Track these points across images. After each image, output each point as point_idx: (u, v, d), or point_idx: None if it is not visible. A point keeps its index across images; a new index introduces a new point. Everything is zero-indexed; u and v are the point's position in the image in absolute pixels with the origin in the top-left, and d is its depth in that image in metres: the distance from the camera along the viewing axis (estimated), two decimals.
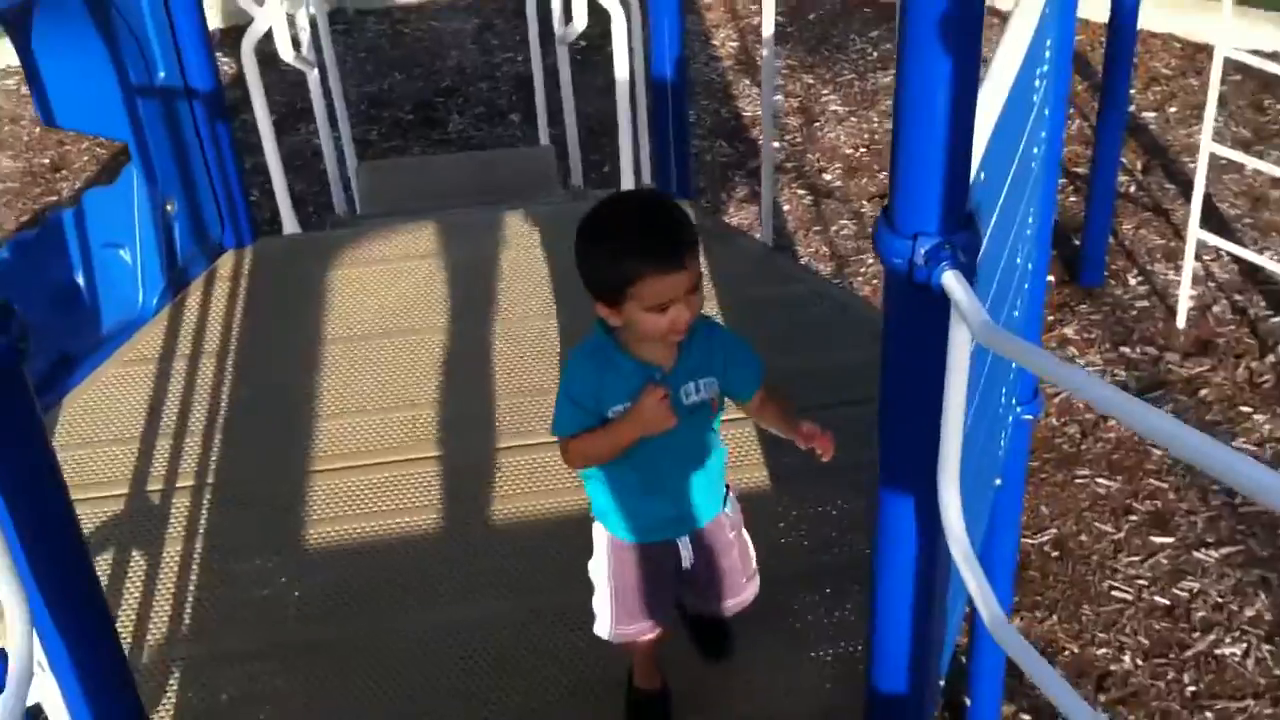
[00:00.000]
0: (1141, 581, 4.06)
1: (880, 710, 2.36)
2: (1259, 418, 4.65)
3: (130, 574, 3.16)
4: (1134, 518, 4.31)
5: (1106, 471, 4.51)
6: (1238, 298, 5.31)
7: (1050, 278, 5.55)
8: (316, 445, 3.57)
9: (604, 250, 2.21)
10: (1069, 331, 5.27)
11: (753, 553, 2.64)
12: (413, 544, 3.26)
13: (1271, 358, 4.95)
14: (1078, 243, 5.62)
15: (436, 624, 3.02)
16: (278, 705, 2.84)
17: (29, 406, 1.89)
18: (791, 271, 4.38)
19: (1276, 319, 5.17)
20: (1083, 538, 4.26)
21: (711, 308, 4.08)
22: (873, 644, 2.29)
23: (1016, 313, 3.09)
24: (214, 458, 3.52)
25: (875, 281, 5.60)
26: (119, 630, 2.95)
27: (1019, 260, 2.96)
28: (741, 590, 2.63)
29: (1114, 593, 4.03)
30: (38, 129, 7.14)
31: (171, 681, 2.88)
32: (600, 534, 2.52)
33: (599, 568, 2.54)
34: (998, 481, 3.19)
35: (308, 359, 3.88)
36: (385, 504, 3.38)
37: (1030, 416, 3.34)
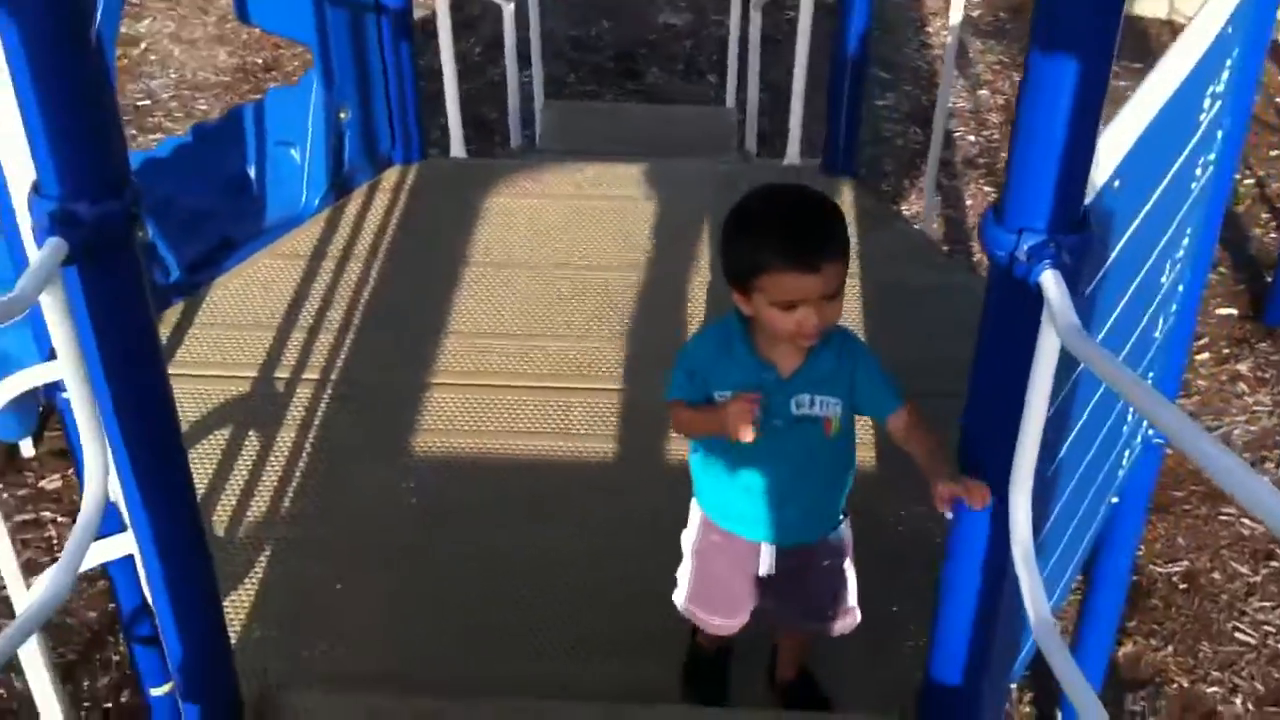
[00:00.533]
0: (1269, 628, 3.87)
1: (933, 701, 2.32)
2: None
3: (242, 453, 3.29)
4: (1275, 563, 4.11)
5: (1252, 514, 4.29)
6: None
7: (1234, 311, 5.32)
8: (443, 360, 3.65)
9: (743, 237, 2.15)
10: (1242, 368, 5.03)
11: (853, 589, 2.49)
12: (523, 468, 3.31)
13: None
14: (1269, 279, 5.34)
15: (536, 547, 3.06)
16: (360, 600, 2.92)
17: (135, 272, 1.95)
18: (941, 261, 4.27)
19: None
20: (1216, 575, 4.08)
21: (854, 286, 4.03)
22: (934, 636, 2.25)
23: (1158, 334, 2.96)
24: (343, 357, 3.63)
25: None
26: (222, 505, 3.10)
27: (1163, 280, 2.84)
28: (826, 621, 2.51)
29: (1237, 634, 3.85)
30: (258, 30, 7.42)
31: (261, 560, 2.98)
32: (695, 508, 2.50)
33: (688, 539, 2.52)
34: (1114, 499, 3.07)
35: (453, 277, 3.96)
36: (500, 425, 3.44)
37: (1161, 441, 3.21)
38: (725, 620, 2.53)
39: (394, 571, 3.00)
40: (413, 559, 3.03)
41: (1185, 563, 4.13)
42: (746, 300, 2.15)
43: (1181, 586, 4.05)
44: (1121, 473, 3.04)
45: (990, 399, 1.99)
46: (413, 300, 3.89)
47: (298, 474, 3.23)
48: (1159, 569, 4.10)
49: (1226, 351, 5.05)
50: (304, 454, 3.29)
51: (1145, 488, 3.28)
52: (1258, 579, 4.05)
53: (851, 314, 4.01)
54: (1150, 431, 3.13)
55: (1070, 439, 2.42)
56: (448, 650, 2.81)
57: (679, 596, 2.54)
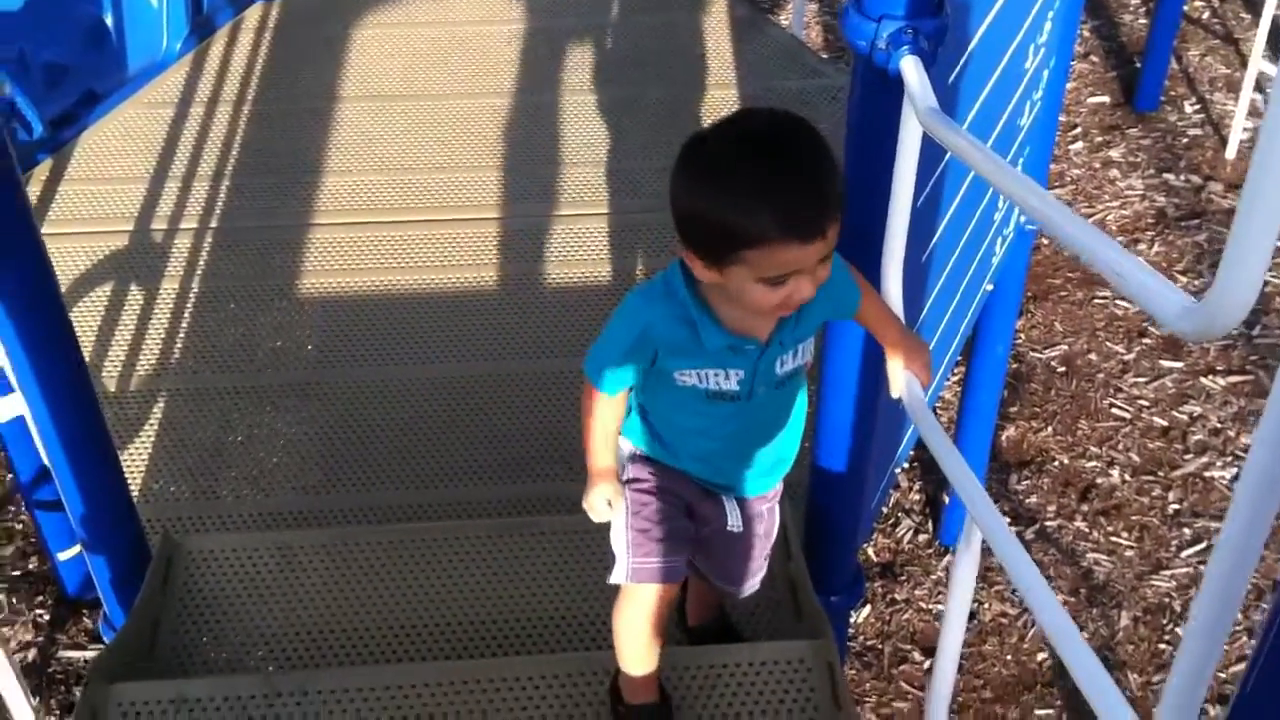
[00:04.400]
0: (1143, 402, 4.05)
1: (820, 488, 2.41)
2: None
3: (126, 307, 3.26)
4: (1147, 341, 4.27)
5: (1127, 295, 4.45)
6: None
7: (1105, 99, 5.42)
8: (323, 200, 3.62)
9: (720, 198, 1.64)
10: (1114, 154, 5.14)
11: (775, 534, 2.16)
12: (410, 301, 3.32)
13: None
14: (1138, 65, 5.44)
15: (428, 379, 3.11)
16: (257, 442, 2.95)
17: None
18: (814, 65, 4.28)
19: None
20: (1092, 356, 4.24)
21: (728, 96, 4.05)
22: (819, 424, 2.33)
23: (1024, 121, 3.02)
24: (220, 203, 3.58)
25: None
26: (111, 360, 3.08)
27: (1027, 65, 2.89)
28: (757, 571, 2.16)
29: (1114, 410, 4.02)
30: None
31: (155, 411, 2.99)
32: (627, 448, 2.03)
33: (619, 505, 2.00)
34: (989, 286, 3.18)
35: (325, 115, 3.91)
36: (384, 261, 3.44)
37: (1033, 227, 3.30)
38: (673, 562, 2.01)
39: (289, 412, 3.02)
40: (306, 398, 3.06)
41: (1063, 347, 4.28)
42: (717, 273, 1.69)
43: (1060, 369, 4.20)
44: (995, 260, 3.13)
45: (860, 190, 2.03)
46: (286, 141, 3.83)
47: (184, 324, 3.21)
48: (1038, 355, 4.25)
49: (1099, 139, 5.15)
50: (189, 304, 3.27)
51: (1019, 274, 3.39)
52: (1131, 357, 4.22)
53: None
54: (1022, 219, 3.22)
55: (942, 227, 2.50)
56: (348, 483, 2.86)
57: (620, 560, 2.00)
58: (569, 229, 3.59)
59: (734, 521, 2.02)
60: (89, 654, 3.27)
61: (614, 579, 1.99)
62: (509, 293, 3.36)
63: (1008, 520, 3.71)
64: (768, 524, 2.11)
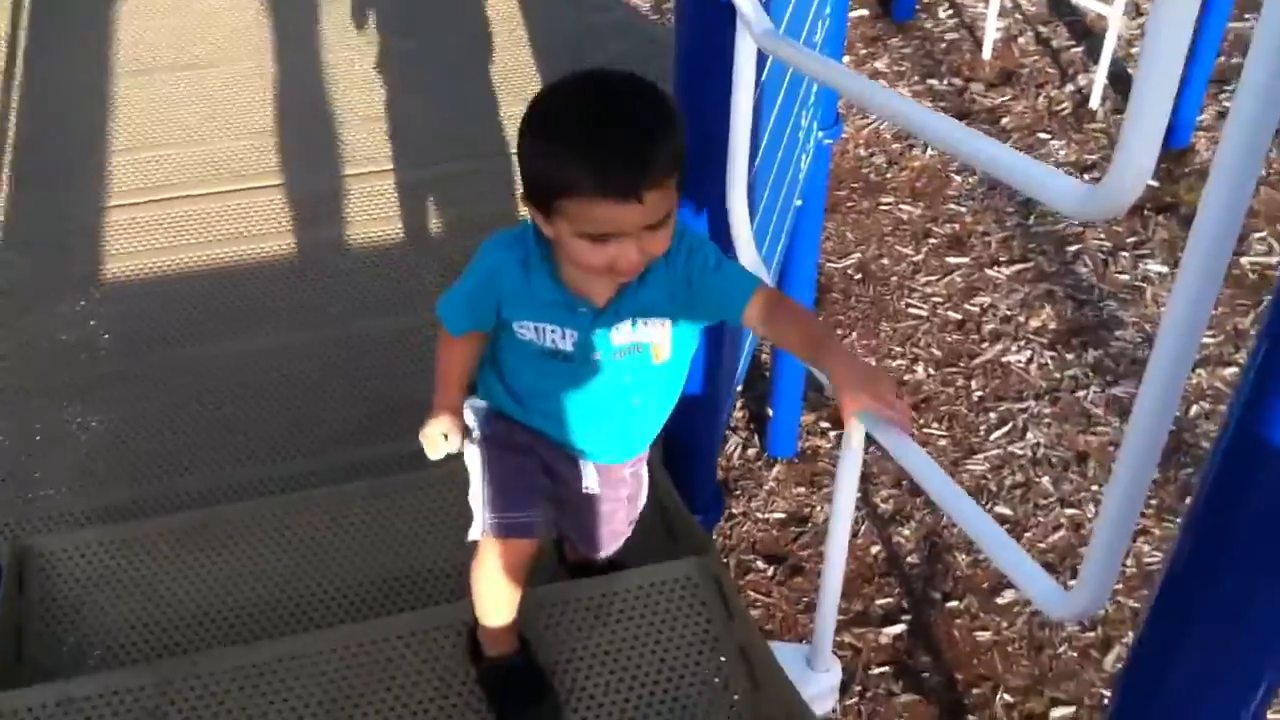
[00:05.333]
0: (937, 299, 4.25)
1: (680, 408, 2.47)
2: (1055, 144, 4.82)
3: None
4: (933, 240, 4.48)
5: (909, 198, 4.66)
6: (1042, 29, 5.43)
7: (864, 12, 5.61)
8: (111, 181, 3.48)
9: (543, 144, 1.65)
10: (880, 65, 5.34)
11: (643, 499, 2.14)
12: (210, 277, 3.24)
13: (1071, 86, 5.10)
14: None
15: (238, 352, 3.04)
16: (76, 437, 2.85)
17: None
18: (601, 2, 4.32)
19: (1078, 49, 5.30)
20: (884, 260, 4.42)
21: (519, 35, 4.05)
22: None
23: (818, 38, 3.13)
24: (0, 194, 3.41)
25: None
26: None
27: None
28: (619, 537, 2.16)
29: (910, 310, 4.22)
30: None
31: None
32: (477, 406, 2.00)
33: (470, 447, 1.99)
34: (798, 202, 3.29)
35: (99, 91, 3.74)
36: (178, 238, 3.35)
37: (830, 141, 3.43)
38: (530, 518, 1.98)
39: (103, 402, 2.92)
40: (117, 388, 2.96)
41: (857, 255, 4.45)
42: (545, 221, 1.69)
43: (857, 277, 4.38)
44: (801, 176, 3.24)
45: (696, 116, 2.08)
46: (60, 122, 3.66)
47: None
48: (834, 265, 4.41)
49: (864, 52, 5.34)
50: None
51: (821, 188, 3.51)
52: (920, 257, 4.42)
53: (521, 63, 4.05)
54: (820, 134, 3.34)
55: (762, 148, 2.57)
56: (175, 468, 2.79)
57: (477, 517, 1.97)
58: (366, 188, 3.55)
59: (589, 483, 2.02)
60: None
61: (472, 535, 1.97)
62: (310, 259, 3.32)
63: (826, 425, 3.89)
64: (631, 489, 2.09)
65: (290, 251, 3.33)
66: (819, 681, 2.15)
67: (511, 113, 3.89)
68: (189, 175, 3.53)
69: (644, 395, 1.92)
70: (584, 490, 2.02)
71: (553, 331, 1.82)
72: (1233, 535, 1.21)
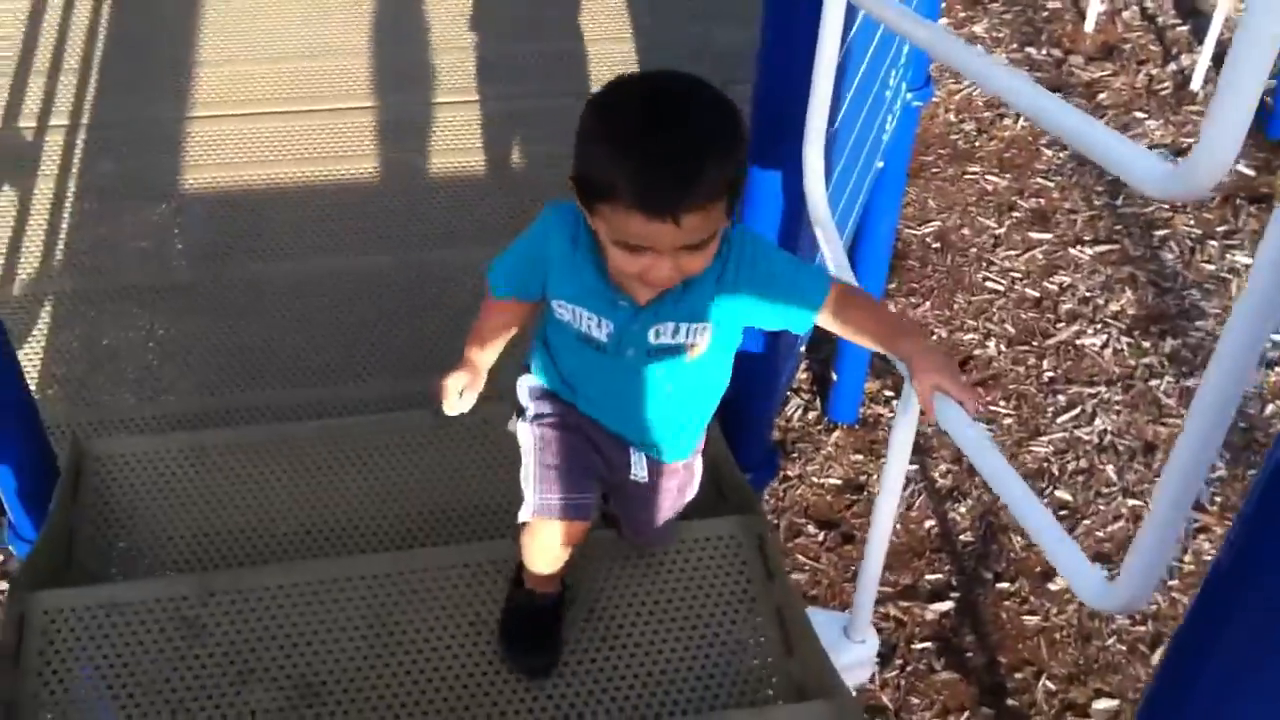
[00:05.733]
0: (1015, 274, 4.17)
1: (737, 366, 2.45)
2: (1151, 123, 4.70)
3: (2, 206, 3.13)
4: (1017, 214, 4.39)
5: (997, 169, 4.57)
6: (1148, 4, 5.28)
7: None
8: (197, 92, 3.51)
9: (593, 140, 1.58)
10: (979, 29, 5.23)
11: (696, 483, 2.08)
12: (289, 195, 3.26)
13: (1173, 66, 4.97)
14: None
15: (328, 270, 3.06)
16: (149, 342, 2.88)
17: None
18: None
19: (1183, 27, 5.16)
20: (965, 231, 4.35)
21: None
22: None
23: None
24: (90, 97, 3.44)
25: None
26: None
27: None
28: (662, 534, 2.13)
29: (988, 283, 4.15)
30: None
31: (42, 315, 2.89)
32: (525, 386, 1.98)
33: (522, 421, 1.97)
34: (880, 164, 3.23)
35: (192, 3, 3.76)
36: (261, 154, 3.36)
37: (919, 104, 3.36)
38: (579, 499, 1.94)
39: (179, 311, 2.95)
40: (189, 299, 2.99)
41: (938, 223, 4.38)
42: (589, 216, 1.65)
43: (935, 246, 4.31)
44: (885, 138, 3.18)
45: (781, 72, 2.05)
46: (154, 31, 3.68)
47: (64, 224, 3.10)
48: (913, 231, 4.34)
49: (963, 15, 5.24)
50: (66, 203, 3.15)
51: (905, 151, 3.44)
52: (1002, 230, 4.34)
53: (616, 7, 4.02)
54: (908, 96, 3.27)
55: (845, 104, 2.53)
56: (243, 382, 2.81)
57: (528, 497, 1.93)
58: (452, 117, 3.54)
59: (638, 472, 1.97)
60: None
61: (521, 516, 1.93)
62: (389, 184, 3.32)
63: (890, 393, 3.84)
64: (682, 479, 2.04)
65: (370, 175, 3.34)
66: (855, 651, 2.13)
67: (602, 52, 3.86)
68: (276, 92, 3.54)
69: (679, 389, 1.86)
70: (632, 478, 1.98)
71: (589, 318, 1.77)
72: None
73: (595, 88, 1.68)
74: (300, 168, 3.32)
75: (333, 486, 2.41)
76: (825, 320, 1.77)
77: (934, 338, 3.99)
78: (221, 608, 2.05)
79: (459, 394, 1.88)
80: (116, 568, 2.27)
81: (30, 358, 2.80)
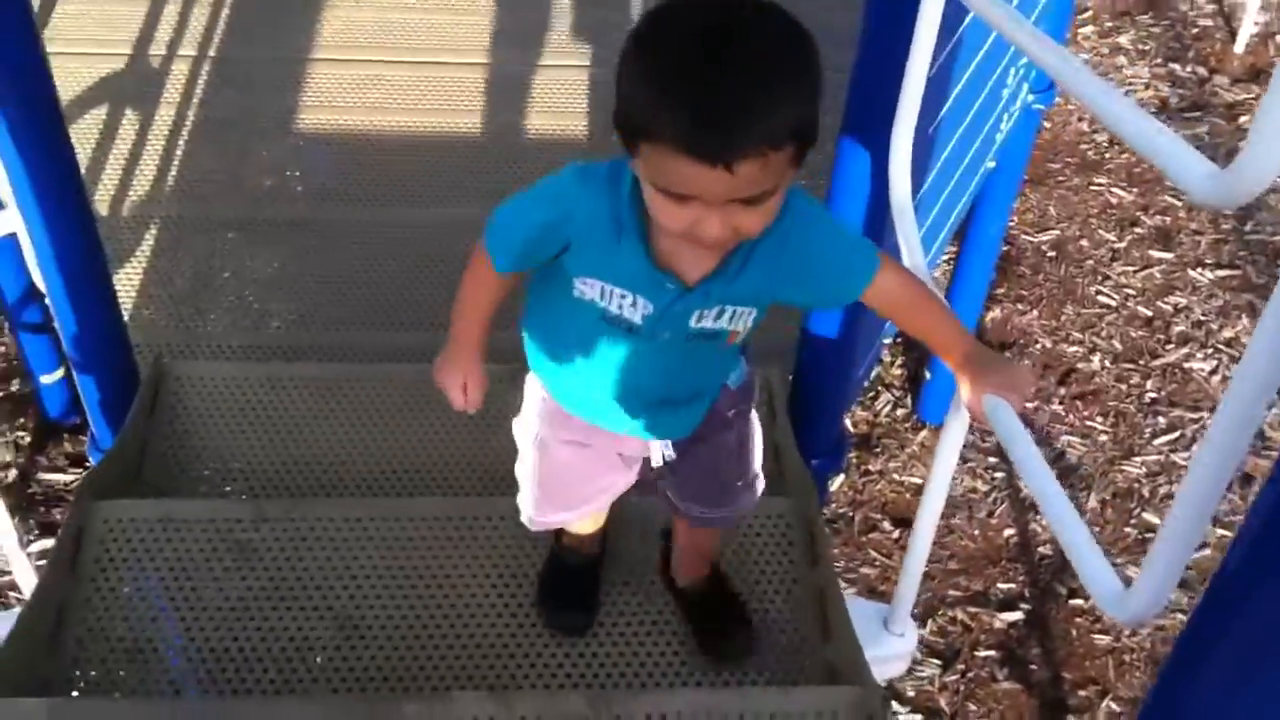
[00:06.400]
0: (1130, 291, 4.06)
1: (809, 355, 2.43)
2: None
3: (122, 131, 3.23)
4: (1139, 230, 4.28)
5: (1125, 182, 4.45)
6: None
7: None
8: (321, 35, 3.58)
9: (635, 67, 1.34)
10: (1123, 40, 5.09)
11: (758, 449, 1.88)
12: (404, 145, 3.31)
13: None
14: None
15: (430, 221, 3.11)
16: (249, 275, 2.95)
17: None
18: None
19: None
20: (1084, 242, 4.24)
21: None
22: None
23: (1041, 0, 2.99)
24: (220, 31, 3.53)
25: None
26: (104, 184, 3.06)
27: None
28: (733, 495, 1.89)
29: (1100, 297, 4.04)
30: None
31: (148, 237, 2.98)
32: (534, 387, 1.81)
33: (525, 428, 1.85)
34: (991, 163, 3.16)
35: None
36: (380, 100, 3.42)
37: (1041, 107, 3.28)
38: (593, 510, 1.93)
39: (282, 246, 3.02)
40: (300, 235, 3.05)
41: (1055, 231, 4.28)
42: (633, 160, 1.41)
43: (1050, 254, 4.21)
44: (999, 138, 3.12)
45: (876, 55, 2.02)
46: None
47: (179, 152, 3.19)
48: (1030, 238, 4.25)
49: (1110, 25, 5.10)
50: (184, 131, 3.25)
51: (1022, 154, 3.37)
52: (1122, 245, 4.23)
53: None
54: (1030, 98, 3.20)
55: (951, 100, 2.48)
56: (337, 322, 2.86)
57: (525, 506, 1.91)
58: (561, 79, 3.57)
59: (657, 458, 1.81)
60: (69, 477, 3.30)
61: (521, 517, 1.90)
62: (496, 139, 3.36)
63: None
64: (740, 431, 1.82)
65: (477, 130, 3.38)
66: (892, 644, 2.10)
67: None
68: (394, 40, 3.60)
69: (703, 373, 1.71)
70: (656, 465, 1.82)
71: (623, 297, 1.54)
72: None
73: None
74: (417, 118, 3.37)
75: (399, 429, 2.45)
76: (875, 300, 1.59)
77: (1037, 346, 3.90)
78: (274, 534, 2.09)
79: (462, 390, 1.73)
80: (181, 484, 2.33)
81: (131, 277, 2.89)
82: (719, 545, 2.08)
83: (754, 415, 1.86)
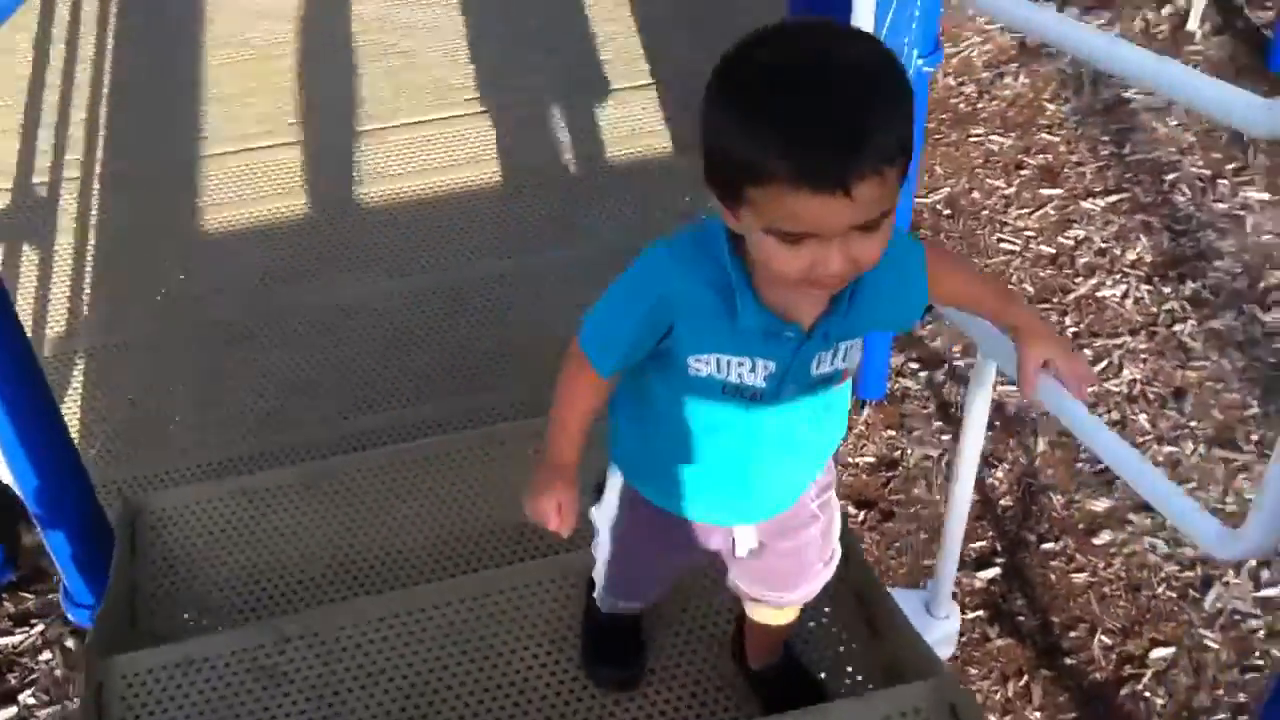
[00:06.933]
0: (1029, 233, 4.18)
1: None
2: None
3: (22, 266, 3.14)
4: (1025, 172, 4.40)
5: (1000, 129, 4.57)
6: None
7: None
8: (210, 127, 3.53)
9: (730, 116, 1.30)
10: None
11: (838, 524, 1.88)
12: (302, 226, 3.27)
13: (1169, 8, 4.97)
14: None
15: (331, 303, 3.08)
16: (188, 385, 2.89)
17: None
18: None
19: None
20: (975, 194, 4.35)
21: None
22: None
23: None
24: (101, 142, 3.46)
25: None
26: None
27: None
28: (813, 576, 1.87)
29: (1003, 245, 4.15)
30: None
31: (75, 372, 2.91)
32: (616, 480, 1.78)
33: (604, 518, 1.83)
34: None
35: (188, 38, 3.77)
36: (274, 187, 3.38)
37: (930, 69, 3.35)
38: (650, 594, 1.96)
39: (218, 351, 2.97)
40: (235, 334, 3.01)
41: (946, 189, 4.38)
42: (732, 212, 1.37)
43: (945, 212, 4.31)
44: None
45: None
46: (156, 72, 3.69)
47: (87, 277, 3.12)
48: (923, 200, 4.35)
49: None
50: (88, 254, 3.17)
51: (919, 119, 3.44)
52: (1012, 190, 4.34)
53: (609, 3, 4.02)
54: (919, 61, 3.27)
55: None
56: (295, 419, 2.83)
57: (598, 582, 1.92)
58: (464, 130, 3.57)
59: (743, 550, 1.77)
60: (17, 639, 3.18)
61: (595, 592, 1.93)
62: (402, 208, 3.36)
63: (915, 365, 3.85)
64: (823, 522, 1.82)
65: (383, 199, 3.36)
66: (939, 628, 2.15)
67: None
68: (288, 121, 3.56)
69: (818, 427, 1.64)
70: (739, 556, 1.79)
71: (741, 364, 1.49)
72: None
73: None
74: (286, 201, 3.35)
75: (384, 516, 2.44)
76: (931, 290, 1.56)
77: None
78: (300, 653, 2.07)
79: (557, 511, 1.65)
80: (184, 620, 2.29)
81: (68, 419, 2.81)
82: (795, 624, 2.02)
83: (833, 495, 1.85)
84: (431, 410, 2.81)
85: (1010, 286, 1.53)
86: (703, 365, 1.50)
